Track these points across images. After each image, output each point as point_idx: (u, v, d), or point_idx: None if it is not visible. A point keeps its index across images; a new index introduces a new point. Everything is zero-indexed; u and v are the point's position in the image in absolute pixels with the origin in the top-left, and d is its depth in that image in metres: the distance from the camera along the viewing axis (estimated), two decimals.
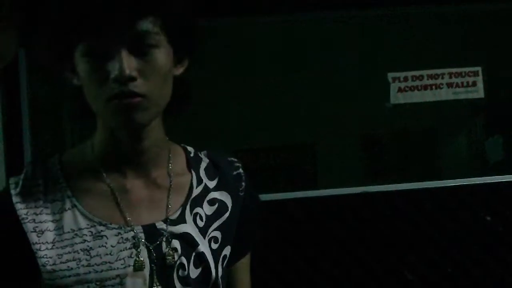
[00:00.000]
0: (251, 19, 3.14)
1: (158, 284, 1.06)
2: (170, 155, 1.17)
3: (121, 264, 1.05)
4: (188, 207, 1.14)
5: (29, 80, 2.90)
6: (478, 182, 2.89)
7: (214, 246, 1.15)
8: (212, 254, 1.13)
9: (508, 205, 2.84)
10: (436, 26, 3.85)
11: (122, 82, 1.01)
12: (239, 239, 1.21)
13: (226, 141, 4.07)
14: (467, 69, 3.04)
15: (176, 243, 1.09)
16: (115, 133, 1.11)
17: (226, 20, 3.08)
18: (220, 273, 1.15)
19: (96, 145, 1.13)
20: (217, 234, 1.16)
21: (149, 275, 1.06)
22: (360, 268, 2.81)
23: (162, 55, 1.06)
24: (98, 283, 1.03)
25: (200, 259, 1.12)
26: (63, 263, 1.03)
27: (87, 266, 1.04)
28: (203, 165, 1.21)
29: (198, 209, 1.15)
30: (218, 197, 1.19)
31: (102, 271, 1.04)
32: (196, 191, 1.17)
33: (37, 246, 1.04)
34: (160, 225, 1.10)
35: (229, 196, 1.20)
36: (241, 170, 1.24)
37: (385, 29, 3.83)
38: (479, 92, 3.04)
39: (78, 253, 1.04)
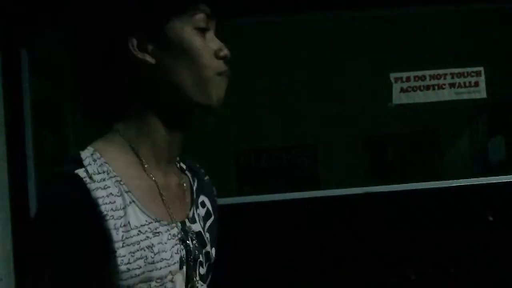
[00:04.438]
0: (252, 19, 3.14)
1: (196, 279, 1.09)
2: None
3: (172, 261, 1.05)
4: (194, 207, 1.16)
5: (31, 80, 2.90)
6: (480, 182, 2.88)
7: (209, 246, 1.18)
8: (210, 254, 1.17)
9: (510, 205, 2.83)
10: (439, 26, 3.85)
11: (226, 60, 1.09)
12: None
13: (227, 142, 4.07)
14: (469, 69, 3.03)
15: (195, 241, 1.11)
16: (165, 120, 1.08)
17: (226, 21, 3.08)
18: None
19: (132, 137, 1.08)
20: (208, 235, 1.18)
21: (186, 271, 1.07)
22: (363, 268, 2.81)
23: None
24: (159, 280, 1.02)
25: (207, 258, 1.15)
26: (135, 261, 1.00)
27: (151, 263, 1.01)
28: (184, 167, 1.21)
29: (198, 210, 1.18)
30: (204, 201, 1.22)
31: (161, 268, 1.02)
32: (194, 192, 1.19)
33: (117, 245, 0.98)
34: (188, 222, 1.11)
35: (208, 200, 1.23)
36: (207, 176, 1.27)
37: (387, 30, 3.83)
38: (481, 92, 3.03)
39: (144, 250, 1.01)
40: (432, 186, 2.88)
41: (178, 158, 1.19)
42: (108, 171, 1.02)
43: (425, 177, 3.25)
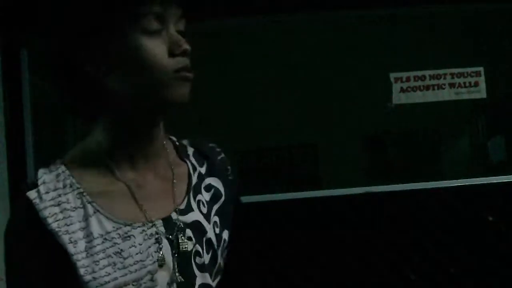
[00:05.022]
0: (252, 19, 3.14)
1: (178, 274, 1.08)
2: (165, 144, 1.18)
3: (150, 260, 1.06)
4: (191, 194, 1.16)
5: (31, 80, 2.90)
6: (480, 183, 2.88)
7: (217, 230, 1.17)
8: (216, 239, 1.16)
9: (510, 205, 2.83)
10: (439, 26, 3.85)
11: (187, 55, 1.06)
12: (238, 223, 1.25)
13: (228, 141, 4.07)
14: (469, 69, 3.03)
15: (189, 232, 1.11)
16: (133, 121, 1.09)
17: (226, 21, 3.08)
18: (222, 257, 1.19)
19: (105, 141, 1.10)
20: (217, 219, 1.18)
21: (172, 266, 1.08)
22: (363, 268, 2.81)
23: None
24: (134, 283, 1.04)
25: (209, 245, 1.14)
26: (101, 269, 1.02)
27: (122, 268, 1.03)
28: (190, 152, 1.22)
29: (199, 196, 1.17)
30: (212, 183, 1.21)
31: (136, 270, 1.04)
32: (194, 179, 1.18)
33: (76, 257, 1.02)
34: (174, 216, 1.11)
35: (219, 181, 1.22)
36: (223, 155, 1.26)
37: (387, 29, 3.83)
38: (481, 92, 3.03)
39: (112, 257, 1.03)
40: (432, 186, 2.88)
41: (185, 143, 1.22)
42: (71, 184, 1.07)
43: (425, 177, 3.25)
